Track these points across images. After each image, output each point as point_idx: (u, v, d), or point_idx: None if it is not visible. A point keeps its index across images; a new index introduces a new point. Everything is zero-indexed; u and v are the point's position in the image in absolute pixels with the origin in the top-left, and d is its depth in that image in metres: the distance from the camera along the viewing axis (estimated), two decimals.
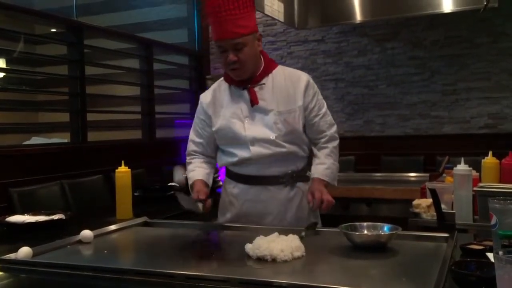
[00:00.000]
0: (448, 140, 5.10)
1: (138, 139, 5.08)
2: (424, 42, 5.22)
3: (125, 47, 5.36)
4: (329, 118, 2.09)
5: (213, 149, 2.15)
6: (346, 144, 5.62)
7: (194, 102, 5.25)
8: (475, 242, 1.59)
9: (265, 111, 1.99)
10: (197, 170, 2.09)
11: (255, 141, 1.98)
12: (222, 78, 2.13)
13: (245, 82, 2.02)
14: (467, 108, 5.10)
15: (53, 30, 5.45)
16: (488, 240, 1.52)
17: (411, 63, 5.28)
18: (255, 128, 1.99)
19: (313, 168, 2.07)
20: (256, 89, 2.01)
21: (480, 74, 5.04)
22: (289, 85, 2.03)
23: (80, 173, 3.81)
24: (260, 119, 1.99)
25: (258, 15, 5.55)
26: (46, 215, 2.41)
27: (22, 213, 2.49)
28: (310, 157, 2.12)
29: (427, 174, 3.65)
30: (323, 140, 2.08)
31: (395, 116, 5.37)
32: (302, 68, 5.58)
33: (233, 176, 2.11)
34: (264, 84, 2.02)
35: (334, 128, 2.11)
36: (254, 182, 2.03)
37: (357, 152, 5.36)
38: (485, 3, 3.69)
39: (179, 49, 5.89)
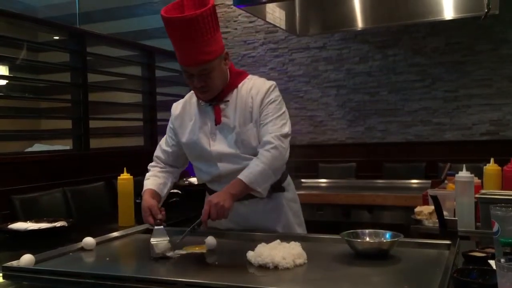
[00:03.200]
0: (450, 147, 5.09)
1: (140, 146, 5.09)
2: (425, 49, 5.23)
3: (127, 55, 5.38)
4: (274, 127, 1.91)
5: (177, 160, 2.13)
6: (348, 151, 5.68)
7: None
8: (477, 249, 1.59)
9: (229, 129, 1.96)
10: (151, 180, 2.07)
11: (222, 156, 1.96)
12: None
13: (212, 98, 1.98)
14: (469, 114, 5.10)
15: (56, 37, 5.49)
16: (491, 248, 1.52)
17: (412, 70, 5.29)
18: (220, 145, 1.96)
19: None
20: (222, 106, 1.98)
21: (481, 81, 5.05)
22: (249, 99, 1.96)
23: (82, 180, 3.81)
24: (224, 137, 1.96)
25: (260, 22, 5.61)
26: (48, 222, 2.42)
27: (25, 220, 2.50)
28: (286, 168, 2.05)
29: (429, 181, 3.65)
30: (259, 147, 1.93)
31: (396, 123, 5.38)
32: (303, 75, 5.65)
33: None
34: (228, 101, 1.98)
35: (276, 134, 1.90)
36: None
37: (359, 158, 5.36)
38: (486, 10, 3.69)
39: None
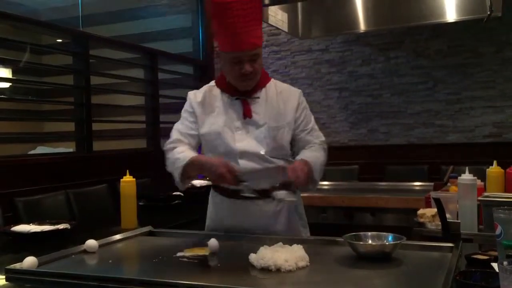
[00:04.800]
0: (453, 149, 5.08)
1: (143, 149, 5.10)
2: (428, 51, 5.23)
3: (130, 57, 5.39)
4: (317, 133, 2.08)
5: (197, 144, 2.06)
6: (350, 153, 5.68)
7: None
8: (480, 252, 1.59)
9: (257, 125, 1.97)
10: (187, 152, 1.93)
11: (245, 154, 1.94)
12: (212, 83, 2.09)
13: (239, 92, 1.99)
14: (472, 117, 5.10)
15: (59, 40, 5.51)
16: (493, 250, 1.51)
17: (415, 72, 5.29)
18: (245, 141, 1.95)
19: (298, 156, 2.00)
20: (250, 101, 1.99)
21: (484, 83, 5.04)
22: (280, 100, 2.01)
23: (85, 182, 3.82)
24: (251, 133, 1.96)
25: (262, 25, 5.60)
26: (51, 225, 2.42)
27: (27, 223, 2.51)
28: None
29: (432, 183, 3.64)
30: (307, 146, 2.04)
31: (399, 125, 5.37)
32: (306, 78, 5.65)
33: (219, 189, 2.06)
34: (258, 97, 2.00)
35: (322, 139, 2.08)
36: (241, 196, 1.96)
37: (361, 161, 5.36)
38: (488, 12, 3.69)
39: (183, 59, 5.92)
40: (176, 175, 1.93)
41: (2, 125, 5.24)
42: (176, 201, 3.56)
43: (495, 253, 1.47)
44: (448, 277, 1.30)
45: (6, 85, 5.79)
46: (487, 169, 2.56)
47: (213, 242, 1.73)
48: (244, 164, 1.94)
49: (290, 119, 2.00)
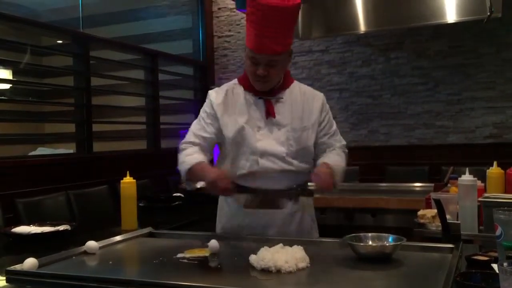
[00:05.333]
0: (453, 150, 5.08)
1: (143, 150, 5.10)
2: (428, 52, 5.23)
3: (130, 58, 5.40)
4: (339, 137, 2.10)
5: (211, 147, 2.06)
6: (351, 154, 5.58)
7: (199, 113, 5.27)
8: (480, 253, 1.59)
9: (280, 126, 1.97)
10: (196, 155, 1.95)
11: (265, 154, 1.94)
12: (236, 81, 2.08)
13: (263, 92, 1.98)
14: (472, 117, 5.10)
15: (59, 41, 5.51)
16: (494, 251, 1.51)
17: (415, 73, 5.29)
18: (267, 141, 1.95)
19: (320, 160, 2.00)
20: (273, 101, 1.99)
21: (484, 84, 5.04)
22: (304, 102, 2.02)
23: (85, 183, 3.82)
24: (274, 133, 1.96)
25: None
26: (51, 226, 2.43)
27: (28, 224, 2.51)
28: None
29: (432, 184, 3.64)
30: (329, 150, 2.07)
31: (399, 126, 5.37)
32: (306, 78, 5.64)
33: (237, 187, 2.03)
34: (282, 98, 2.00)
35: (343, 143, 2.12)
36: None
37: (362, 162, 5.35)
38: (488, 13, 3.69)
39: (184, 60, 5.92)
40: (182, 177, 1.98)
41: (3, 126, 5.24)
42: (176, 202, 3.56)
43: (495, 254, 1.47)
44: (448, 278, 1.30)
45: (7, 86, 5.79)
46: (487, 170, 2.56)
47: (213, 243, 1.73)
48: (264, 164, 1.94)
49: (314, 121, 2.01)
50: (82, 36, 4.40)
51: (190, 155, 1.95)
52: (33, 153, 5.27)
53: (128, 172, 2.63)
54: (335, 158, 2.00)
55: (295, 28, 4.77)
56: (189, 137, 2.04)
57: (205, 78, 5.82)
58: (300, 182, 2.00)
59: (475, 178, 2.15)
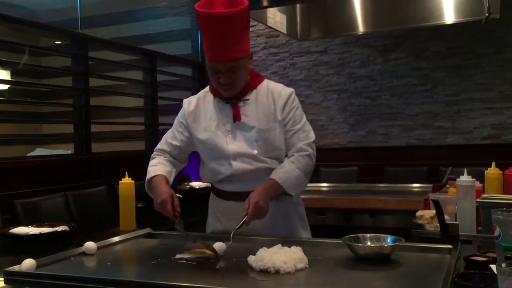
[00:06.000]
0: (451, 151, 5.09)
1: (141, 151, 5.09)
2: (427, 53, 5.24)
3: (129, 59, 5.40)
4: (304, 134, 2.00)
5: (182, 155, 2.12)
6: (349, 155, 5.68)
7: None
8: (478, 253, 1.59)
9: (247, 128, 1.97)
10: (159, 166, 2.03)
11: (237, 156, 1.96)
12: (207, 89, 2.11)
13: (231, 96, 2.00)
14: (470, 118, 5.10)
15: (58, 42, 5.51)
16: (492, 252, 1.51)
17: (414, 73, 5.30)
18: (237, 144, 1.97)
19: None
20: (240, 104, 1.99)
21: (483, 85, 5.05)
22: (270, 101, 2.01)
23: (84, 184, 3.82)
24: (242, 135, 1.97)
25: (261, 26, 5.61)
26: (50, 227, 2.42)
27: (26, 225, 2.51)
28: None
29: (430, 185, 3.65)
30: (290, 152, 2.00)
31: (398, 127, 5.38)
32: (304, 79, 5.65)
33: (217, 192, 2.09)
34: (248, 99, 2.00)
35: (307, 141, 2.00)
36: (238, 199, 1.97)
37: (360, 162, 5.36)
38: (486, 14, 3.70)
39: (182, 61, 5.92)
40: (146, 187, 2.05)
41: (1, 127, 5.23)
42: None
43: (494, 255, 1.47)
44: (447, 278, 1.30)
45: (5, 87, 5.79)
46: (485, 171, 2.56)
47: (219, 245, 1.73)
48: (237, 165, 1.96)
49: (280, 119, 1.99)
50: (81, 36, 4.40)
51: (154, 166, 2.04)
52: (31, 153, 5.27)
53: (126, 173, 2.63)
54: (286, 168, 1.93)
55: (294, 29, 4.83)
56: (161, 144, 2.14)
57: (203, 79, 5.81)
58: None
59: (474, 179, 2.15)
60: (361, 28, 4.71)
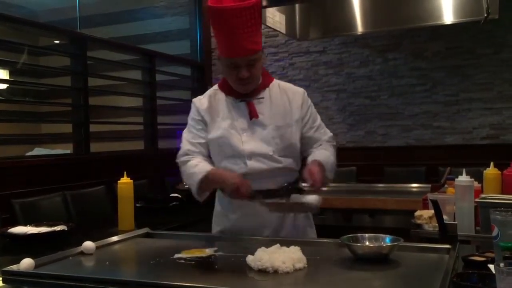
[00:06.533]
0: (450, 151, 5.09)
1: (140, 150, 5.09)
2: (426, 53, 5.24)
3: (128, 59, 5.39)
4: (324, 130, 2.09)
5: (209, 153, 2.05)
6: (348, 155, 5.67)
7: None
8: (477, 253, 1.59)
9: (263, 126, 1.97)
10: (201, 164, 1.92)
11: (253, 155, 1.95)
12: (216, 87, 2.09)
13: (243, 94, 1.99)
14: (469, 118, 5.11)
15: (57, 41, 5.50)
16: (491, 252, 1.51)
17: (413, 74, 5.30)
18: (253, 143, 1.96)
19: (309, 157, 1.98)
20: (255, 102, 1.99)
21: (482, 85, 5.05)
22: (285, 99, 2.02)
23: (82, 184, 3.82)
24: (258, 134, 1.97)
25: (261, 29, 5.59)
26: (48, 227, 2.42)
27: (25, 225, 2.51)
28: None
29: (429, 185, 3.64)
30: (317, 145, 2.05)
31: (397, 127, 5.38)
32: (303, 79, 5.65)
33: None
34: (262, 98, 2.00)
35: (330, 135, 2.09)
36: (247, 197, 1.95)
37: (359, 162, 5.36)
38: (485, 14, 3.71)
39: (181, 60, 5.92)
40: (194, 189, 1.93)
41: (0, 127, 5.23)
42: (174, 203, 3.56)
43: (492, 255, 1.47)
44: (445, 278, 1.30)
45: (4, 86, 5.78)
46: (484, 171, 2.56)
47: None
48: (252, 165, 1.94)
49: (297, 117, 2.01)
50: (80, 36, 4.40)
51: (197, 165, 1.92)
52: (30, 153, 5.27)
53: (125, 172, 2.63)
54: (323, 154, 1.98)
55: (293, 28, 4.83)
56: (186, 147, 2.02)
57: (202, 78, 5.82)
58: (290, 179, 1.99)
59: (472, 179, 2.15)
60: (360, 28, 4.72)
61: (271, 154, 1.95)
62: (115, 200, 2.69)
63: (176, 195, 3.80)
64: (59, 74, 5.29)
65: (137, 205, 3.06)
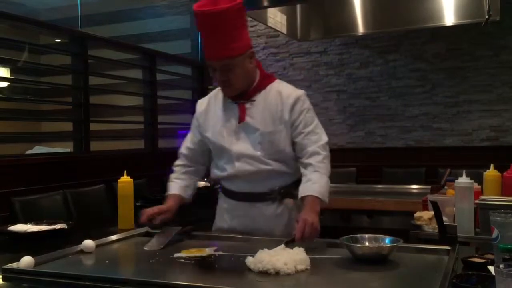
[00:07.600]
0: (450, 152, 5.10)
1: (140, 149, 5.09)
2: (426, 54, 5.25)
3: (128, 58, 5.39)
4: (315, 137, 1.97)
5: (201, 157, 2.16)
6: (348, 156, 5.68)
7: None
8: (476, 255, 1.59)
9: (252, 130, 1.97)
10: (174, 184, 2.14)
11: (241, 156, 1.97)
12: (219, 88, 2.11)
13: (238, 96, 2.00)
14: (469, 120, 5.11)
15: (58, 40, 5.51)
16: (490, 253, 1.52)
17: (413, 75, 5.30)
18: (241, 144, 1.98)
19: (300, 187, 1.91)
20: (247, 105, 1.99)
21: (481, 87, 5.06)
22: (278, 102, 1.98)
23: (82, 182, 3.81)
24: (246, 136, 1.98)
25: (261, 26, 5.62)
26: (48, 225, 2.41)
27: (25, 223, 2.50)
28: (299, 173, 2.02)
29: (429, 187, 3.64)
30: (304, 157, 1.95)
31: (396, 128, 5.38)
32: (304, 80, 5.65)
33: (224, 190, 2.13)
34: (254, 100, 1.99)
35: (320, 143, 1.96)
36: (242, 198, 2.02)
37: (359, 163, 5.36)
38: (486, 16, 3.71)
39: (182, 60, 5.92)
40: None
41: (0, 125, 5.23)
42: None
43: (492, 256, 1.47)
44: (445, 280, 1.30)
45: (4, 84, 5.79)
46: (484, 173, 2.56)
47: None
48: (240, 166, 1.97)
49: (286, 121, 1.97)
50: (81, 35, 4.39)
51: (171, 182, 2.16)
52: (30, 151, 5.26)
53: (125, 171, 2.62)
54: (315, 181, 1.89)
55: (294, 29, 4.83)
56: (181, 148, 2.20)
57: (203, 78, 5.81)
58: (282, 183, 2.00)
59: (472, 181, 2.15)
60: (360, 29, 4.72)
61: (259, 156, 1.96)
62: (115, 199, 2.68)
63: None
64: (59, 73, 5.29)
65: (137, 204, 3.06)
